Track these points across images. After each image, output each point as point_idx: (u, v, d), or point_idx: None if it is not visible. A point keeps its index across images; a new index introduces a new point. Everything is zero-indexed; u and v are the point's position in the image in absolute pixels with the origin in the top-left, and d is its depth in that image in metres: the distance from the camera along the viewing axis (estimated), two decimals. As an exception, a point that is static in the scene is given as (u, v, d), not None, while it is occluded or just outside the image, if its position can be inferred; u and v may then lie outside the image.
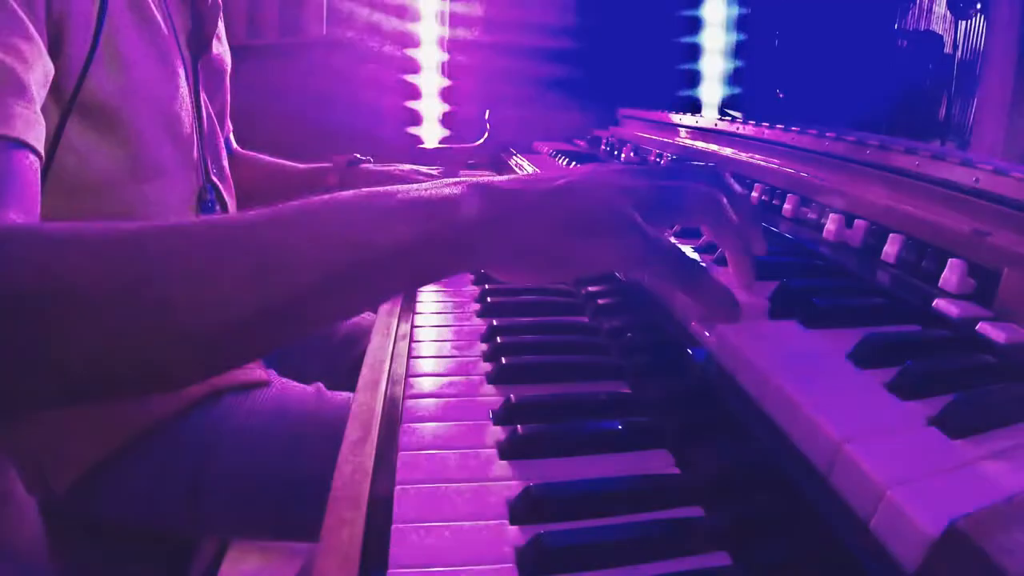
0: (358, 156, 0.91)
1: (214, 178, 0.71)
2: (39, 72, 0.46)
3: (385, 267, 0.34)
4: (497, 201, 0.36)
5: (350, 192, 0.35)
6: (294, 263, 0.32)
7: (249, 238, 0.32)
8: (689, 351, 0.41)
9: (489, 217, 0.35)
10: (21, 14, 0.44)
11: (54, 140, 0.51)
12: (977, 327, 0.37)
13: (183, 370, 0.33)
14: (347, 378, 0.54)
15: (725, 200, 0.40)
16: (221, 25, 0.80)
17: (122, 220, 0.34)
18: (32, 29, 0.45)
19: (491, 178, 0.38)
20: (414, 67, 1.50)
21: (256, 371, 0.68)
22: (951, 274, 0.42)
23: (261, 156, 0.94)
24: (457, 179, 0.37)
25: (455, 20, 1.50)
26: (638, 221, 0.36)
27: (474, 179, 0.37)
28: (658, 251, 0.37)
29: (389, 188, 0.36)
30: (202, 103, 0.69)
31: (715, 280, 0.39)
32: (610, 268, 0.39)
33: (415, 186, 0.36)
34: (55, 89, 0.50)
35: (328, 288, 0.33)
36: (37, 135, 0.43)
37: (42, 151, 0.44)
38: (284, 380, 0.71)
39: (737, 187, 0.42)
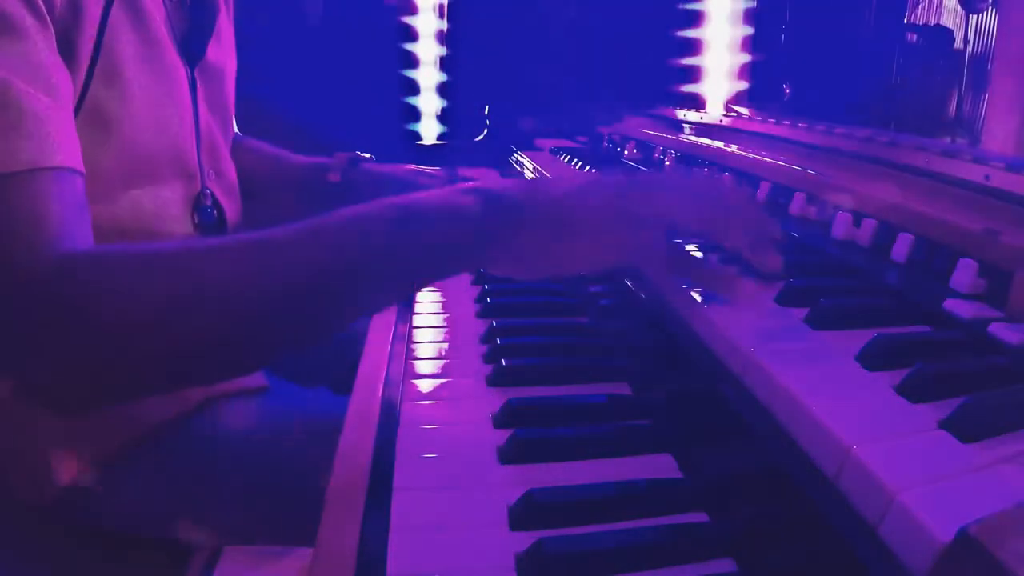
0: (360, 154, 0.91)
1: (211, 184, 0.70)
2: (67, 89, 0.46)
3: (414, 270, 0.41)
4: (506, 211, 0.41)
5: (373, 205, 0.41)
6: (329, 277, 0.39)
7: (298, 254, 0.39)
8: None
9: (500, 225, 0.40)
10: (40, 35, 0.44)
11: None
12: (989, 328, 0.37)
13: (245, 364, 0.44)
14: (345, 378, 0.54)
15: (721, 215, 0.43)
16: (229, 26, 0.79)
17: (114, 226, 0.39)
18: (52, 45, 0.45)
19: (497, 184, 0.43)
20: (413, 62, 1.49)
21: (256, 376, 0.67)
22: (962, 274, 0.41)
23: (263, 144, 0.93)
24: (469, 188, 0.42)
25: (454, 14, 1.49)
26: (629, 228, 0.41)
27: (484, 188, 0.42)
28: (648, 253, 0.42)
29: (407, 201, 0.41)
30: (199, 109, 0.68)
31: (709, 266, 0.44)
32: (606, 267, 0.46)
33: (434, 196, 0.42)
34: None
35: (352, 292, 0.40)
36: (79, 156, 0.45)
37: (82, 168, 0.46)
38: (286, 384, 0.70)
39: (735, 195, 0.46)
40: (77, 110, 0.51)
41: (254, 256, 0.39)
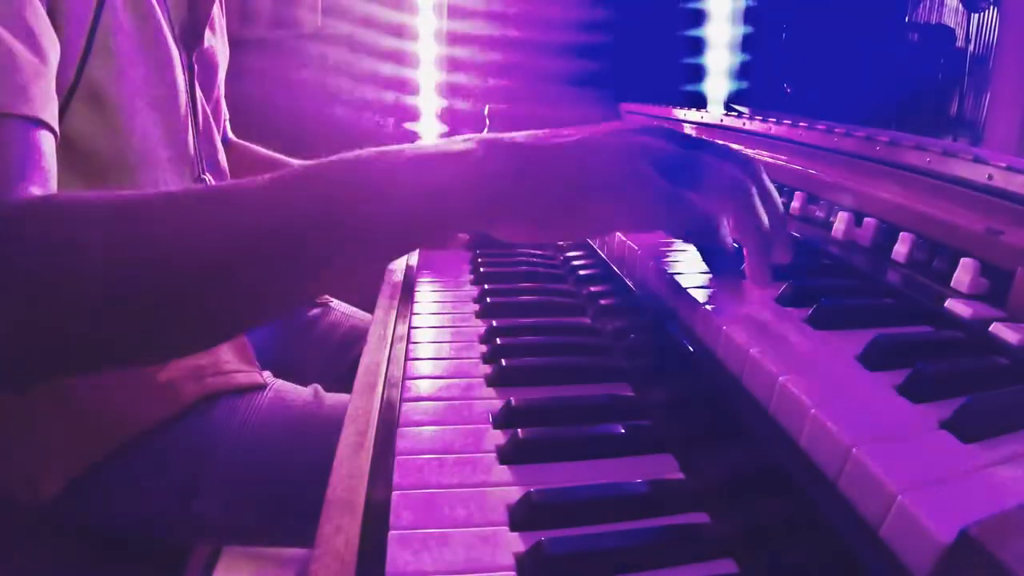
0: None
1: (208, 173, 0.70)
2: (52, 51, 0.46)
3: (392, 223, 0.35)
4: (510, 156, 0.36)
5: (360, 151, 0.36)
6: (303, 226, 0.34)
7: (258, 205, 0.34)
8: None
9: (501, 171, 0.35)
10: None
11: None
12: (990, 328, 0.37)
13: (199, 335, 0.37)
14: (345, 380, 0.54)
15: (754, 190, 0.38)
16: (221, 19, 0.79)
17: None
18: (39, 4, 0.45)
19: (504, 135, 0.38)
20: (411, 61, 1.49)
21: (252, 374, 0.67)
22: (963, 274, 0.41)
23: (257, 148, 0.93)
24: (469, 136, 0.37)
25: (453, 13, 1.49)
26: (652, 177, 0.36)
27: (487, 136, 0.37)
28: (672, 208, 0.36)
29: (399, 147, 0.36)
30: (197, 97, 0.68)
31: (729, 243, 0.39)
32: (624, 227, 0.40)
33: (426, 144, 0.37)
34: (60, 69, 0.50)
35: (337, 244, 0.34)
36: (53, 113, 0.44)
37: (57, 129, 0.45)
38: (280, 382, 0.70)
39: (769, 183, 0.40)
40: (75, 85, 0.51)
41: (215, 205, 0.34)
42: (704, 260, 0.43)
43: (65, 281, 0.32)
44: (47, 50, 0.45)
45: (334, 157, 0.36)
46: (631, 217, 0.37)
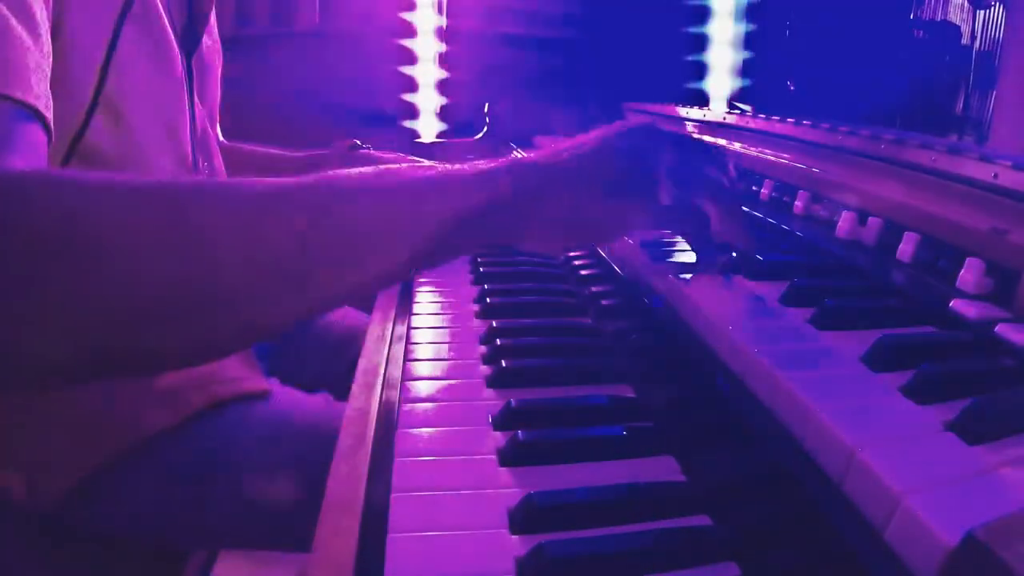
0: (357, 142, 0.91)
1: (206, 177, 0.70)
2: (50, 48, 0.45)
3: (428, 236, 0.36)
4: (532, 174, 0.39)
5: (398, 167, 0.38)
6: (346, 226, 0.34)
7: (303, 198, 0.34)
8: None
9: (526, 189, 0.39)
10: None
11: (76, 136, 0.51)
12: (995, 329, 0.36)
13: (228, 331, 0.33)
14: (343, 381, 0.53)
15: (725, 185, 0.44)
16: (212, 19, 0.79)
17: None
18: (48, 16, 0.45)
19: (518, 156, 0.41)
20: (411, 58, 1.48)
21: (257, 380, 0.67)
22: (968, 274, 0.41)
23: (249, 147, 0.93)
24: (488, 160, 0.40)
25: (453, 9, 1.48)
26: (662, 177, 0.41)
27: (507, 159, 0.40)
28: (679, 207, 0.43)
29: (428, 164, 0.39)
30: (195, 102, 0.68)
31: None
32: (640, 224, 0.44)
33: (450, 165, 0.39)
34: (77, 85, 0.50)
35: (375, 251, 0.35)
36: (47, 104, 0.43)
37: (52, 132, 0.43)
38: (288, 389, 0.70)
39: (731, 175, 0.46)
40: (96, 98, 0.51)
41: (260, 202, 0.33)
42: (695, 250, 0.50)
43: (63, 255, 0.28)
44: (47, 49, 0.44)
45: (377, 168, 0.37)
46: (647, 214, 0.43)
